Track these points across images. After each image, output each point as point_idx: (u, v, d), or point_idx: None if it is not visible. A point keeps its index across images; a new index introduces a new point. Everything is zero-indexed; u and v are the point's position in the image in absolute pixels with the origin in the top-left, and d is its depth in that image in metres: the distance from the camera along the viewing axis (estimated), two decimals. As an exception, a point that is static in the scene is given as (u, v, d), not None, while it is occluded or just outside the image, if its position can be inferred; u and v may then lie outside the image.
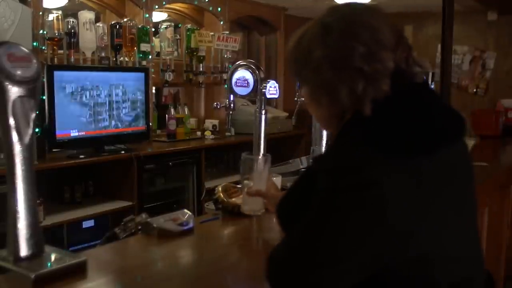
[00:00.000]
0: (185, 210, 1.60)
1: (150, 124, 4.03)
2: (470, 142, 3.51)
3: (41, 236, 1.21)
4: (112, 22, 3.84)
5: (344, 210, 0.93)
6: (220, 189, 1.75)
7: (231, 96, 1.98)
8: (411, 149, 0.96)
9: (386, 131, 0.97)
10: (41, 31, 3.36)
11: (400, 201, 0.93)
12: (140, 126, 3.88)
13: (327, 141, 2.32)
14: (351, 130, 1.01)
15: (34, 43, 3.26)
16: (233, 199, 1.71)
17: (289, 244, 1.00)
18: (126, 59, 3.88)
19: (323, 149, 2.29)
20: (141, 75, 3.87)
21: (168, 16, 4.80)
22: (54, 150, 3.39)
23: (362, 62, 0.98)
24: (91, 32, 3.61)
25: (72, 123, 3.41)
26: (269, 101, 2.32)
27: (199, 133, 4.65)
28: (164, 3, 4.33)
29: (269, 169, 1.57)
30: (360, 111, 0.99)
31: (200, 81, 4.63)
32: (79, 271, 1.20)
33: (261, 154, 1.59)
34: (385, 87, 0.99)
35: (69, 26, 3.49)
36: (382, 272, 0.97)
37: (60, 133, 3.34)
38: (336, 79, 1.00)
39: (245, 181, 1.56)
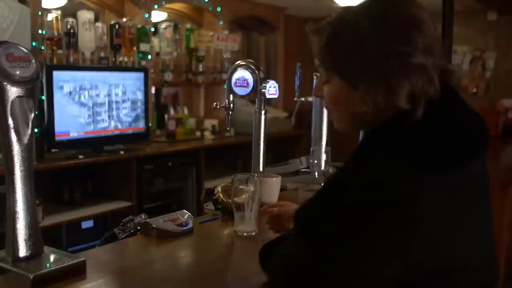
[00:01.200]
0: (184, 211, 1.59)
1: (150, 124, 4.03)
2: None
3: (40, 237, 1.20)
4: (112, 22, 3.84)
5: (374, 227, 0.89)
6: (219, 189, 1.74)
7: (231, 96, 1.97)
8: (448, 164, 0.93)
9: (424, 146, 0.93)
10: (40, 31, 3.36)
11: (433, 219, 0.91)
12: (140, 126, 3.87)
13: (327, 141, 2.32)
14: (386, 140, 0.95)
15: (33, 43, 3.26)
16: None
17: (311, 256, 0.94)
18: (126, 59, 3.88)
19: (323, 149, 2.29)
20: (140, 75, 3.86)
21: (168, 16, 4.80)
22: (53, 150, 3.38)
23: (422, 57, 0.94)
24: (90, 32, 3.62)
25: (71, 124, 3.41)
26: (268, 101, 2.32)
27: (198, 133, 4.65)
28: (163, 3, 4.33)
29: (261, 191, 1.56)
30: (393, 119, 0.96)
31: (200, 81, 4.63)
32: (78, 271, 1.19)
33: (252, 175, 1.55)
34: (437, 85, 0.95)
35: (68, 26, 3.49)
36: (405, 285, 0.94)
37: (59, 133, 3.34)
38: (399, 75, 0.94)
39: (235, 199, 1.53)
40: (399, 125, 0.95)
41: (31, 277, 1.11)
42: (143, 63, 4.03)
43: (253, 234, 1.52)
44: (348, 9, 1.02)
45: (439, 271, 0.94)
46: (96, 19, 3.89)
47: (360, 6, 1.00)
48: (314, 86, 1.09)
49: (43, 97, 3.24)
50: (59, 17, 3.40)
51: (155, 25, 4.40)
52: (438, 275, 0.94)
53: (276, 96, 1.99)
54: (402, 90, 0.94)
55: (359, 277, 0.90)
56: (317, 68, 1.06)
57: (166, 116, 4.38)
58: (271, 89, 1.96)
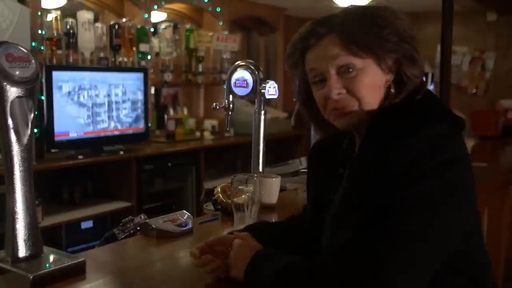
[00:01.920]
0: (184, 211, 1.59)
1: (149, 124, 4.03)
2: (470, 143, 3.51)
3: (40, 237, 1.20)
4: (111, 22, 3.83)
5: (437, 190, 0.95)
6: (219, 189, 1.74)
7: (230, 96, 1.97)
8: (463, 124, 1.06)
9: (443, 112, 1.06)
10: (39, 31, 3.36)
11: (470, 175, 1.02)
12: (139, 126, 3.87)
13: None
14: (416, 112, 1.05)
15: (33, 43, 3.26)
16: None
17: (385, 241, 0.93)
18: (125, 59, 3.88)
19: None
20: (140, 75, 3.86)
21: (167, 16, 4.80)
22: (52, 150, 3.38)
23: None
24: (90, 32, 3.61)
25: (70, 124, 3.41)
26: (268, 102, 2.31)
27: (198, 133, 4.65)
28: (163, 3, 4.33)
29: (261, 192, 1.55)
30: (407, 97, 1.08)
31: (199, 82, 4.63)
32: (77, 272, 1.19)
33: (252, 176, 1.54)
34: None
35: (68, 26, 3.48)
36: None
37: (58, 134, 3.34)
38: (414, 50, 1.09)
39: (235, 200, 1.52)
40: (410, 102, 1.06)
41: (31, 277, 1.11)
42: (143, 63, 4.03)
43: None
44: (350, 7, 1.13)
45: (467, 233, 1.03)
46: (96, 20, 3.89)
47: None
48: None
49: (43, 98, 3.24)
50: (58, 17, 3.40)
51: (155, 25, 4.39)
52: (466, 238, 1.03)
53: (275, 97, 1.99)
54: (421, 61, 1.09)
55: (445, 236, 0.96)
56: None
57: (165, 116, 4.38)
58: (271, 90, 1.96)
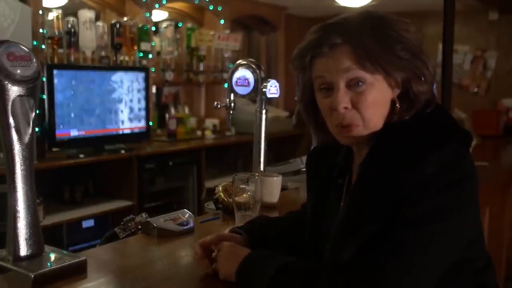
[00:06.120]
0: (185, 210, 1.59)
1: (150, 123, 4.03)
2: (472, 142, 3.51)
3: (41, 236, 1.21)
4: (112, 21, 3.84)
5: (447, 205, 0.96)
6: (220, 188, 1.74)
7: (232, 95, 1.97)
8: (470, 142, 1.07)
9: (456, 127, 1.06)
10: (41, 30, 3.36)
11: (476, 188, 1.03)
12: (140, 125, 3.87)
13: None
14: (426, 131, 1.04)
15: (34, 42, 3.26)
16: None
17: (396, 257, 0.95)
18: (126, 58, 3.88)
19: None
20: (141, 74, 3.87)
21: (169, 15, 4.80)
22: (54, 149, 3.39)
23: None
24: (91, 31, 3.62)
25: (71, 123, 3.41)
26: (269, 101, 2.32)
27: (199, 132, 4.65)
28: (164, 2, 4.33)
29: (262, 191, 1.55)
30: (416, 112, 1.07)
31: (200, 81, 4.63)
32: (79, 271, 1.19)
33: (253, 175, 1.54)
34: None
35: (69, 25, 3.49)
36: None
37: (60, 133, 3.34)
38: (425, 66, 1.08)
39: (236, 199, 1.53)
40: (419, 118, 1.06)
41: (32, 276, 1.11)
42: (144, 62, 4.03)
43: None
44: (368, 12, 1.11)
45: (470, 241, 1.05)
46: (97, 18, 3.89)
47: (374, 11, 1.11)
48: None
49: (44, 96, 3.24)
50: (60, 16, 3.40)
51: (156, 24, 4.40)
52: (469, 245, 1.05)
53: (277, 96, 1.99)
54: (430, 77, 1.08)
55: (451, 248, 0.99)
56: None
57: (167, 115, 4.38)
58: (272, 89, 1.96)
